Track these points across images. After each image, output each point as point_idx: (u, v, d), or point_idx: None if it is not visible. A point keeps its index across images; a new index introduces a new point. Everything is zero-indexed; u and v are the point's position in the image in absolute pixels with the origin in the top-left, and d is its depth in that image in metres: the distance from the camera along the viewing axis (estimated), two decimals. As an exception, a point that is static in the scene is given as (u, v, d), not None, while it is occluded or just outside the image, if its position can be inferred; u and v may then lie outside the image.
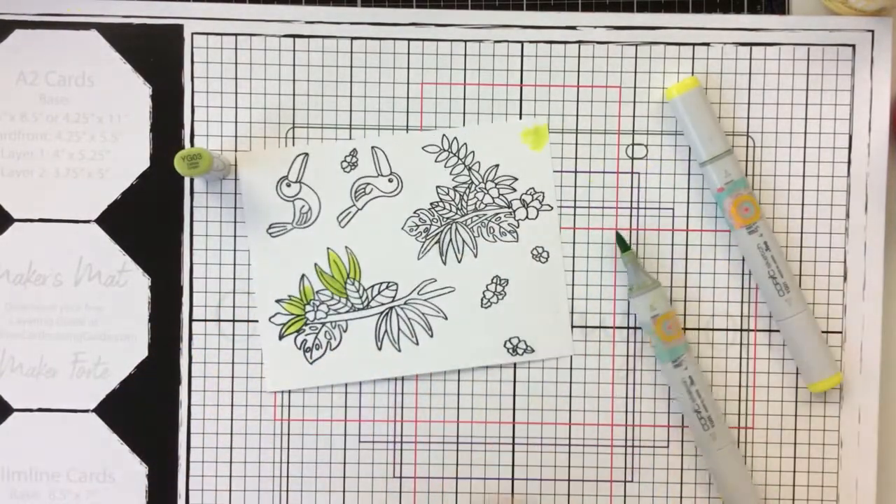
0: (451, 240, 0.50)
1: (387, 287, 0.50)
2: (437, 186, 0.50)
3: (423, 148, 0.50)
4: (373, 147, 0.50)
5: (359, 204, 0.50)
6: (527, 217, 0.50)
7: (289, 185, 0.50)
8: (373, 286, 0.50)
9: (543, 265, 0.50)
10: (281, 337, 0.50)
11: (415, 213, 0.50)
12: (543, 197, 0.50)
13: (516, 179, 0.50)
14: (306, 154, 0.50)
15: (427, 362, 0.50)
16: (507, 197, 0.50)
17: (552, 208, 0.50)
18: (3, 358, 0.50)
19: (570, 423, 0.50)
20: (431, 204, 0.50)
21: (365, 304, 0.50)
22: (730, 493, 0.49)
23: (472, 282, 0.50)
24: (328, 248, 0.50)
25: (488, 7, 0.50)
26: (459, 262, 0.50)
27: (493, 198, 0.50)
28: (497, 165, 0.50)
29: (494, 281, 0.50)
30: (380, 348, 0.50)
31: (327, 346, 0.50)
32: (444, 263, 0.50)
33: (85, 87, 0.50)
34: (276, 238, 0.50)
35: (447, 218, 0.50)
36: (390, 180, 0.50)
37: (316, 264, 0.50)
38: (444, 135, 0.50)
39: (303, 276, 0.50)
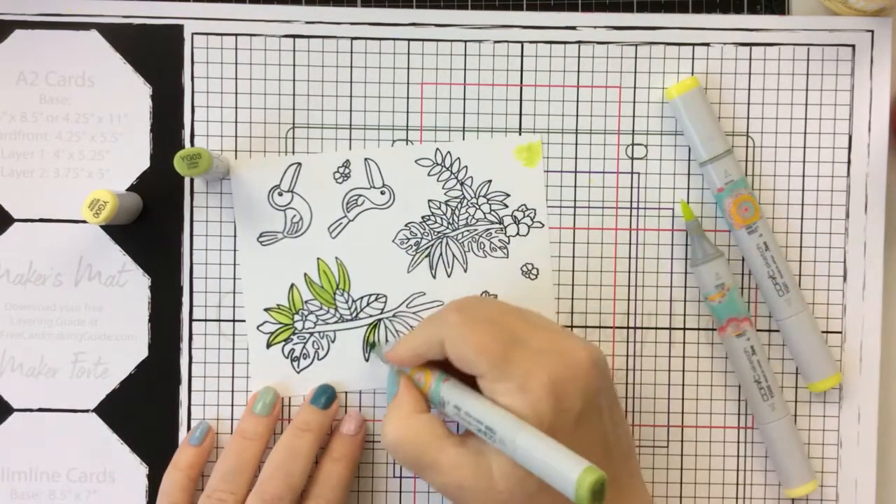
0: (441, 254, 0.50)
1: (376, 299, 0.50)
2: (429, 200, 0.50)
3: (416, 161, 0.50)
4: (366, 159, 0.50)
5: (350, 215, 0.50)
6: (518, 233, 0.50)
7: (280, 194, 0.50)
8: (362, 297, 0.50)
9: (533, 282, 0.50)
10: (268, 345, 0.50)
11: (406, 226, 0.50)
12: (535, 214, 0.50)
13: (508, 195, 0.50)
14: (299, 164, 0.50)
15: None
16: (498, 213, 0.50)
17: (543, 225, 0.50)
18: (3, 358, 0.50)
19: (570, 423, 0.50)
20: (423, 217, 0.50)
21: (353, 315, 0.50)
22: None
23: (460, 296, 0.49)
24: (318, 259, 0.50)
25: (488, 7, 0.50)
26: (449, 276, 0.50)
27: (484, 213, 0.50)
28: (490, 181, 0.50)
29: (483, 296, 0.50)
30: (367, 359, 0.50)
31: (315, 356, 0.50)
32: (434, 277, 0.50)
33: (85, 87, 0.50)
34: (266, 247, 0.50)
35: (438, 232, 0.50)
36: (382, 192, 0.50)
37: (306, 274, 0.50)
38: (437, 149, 0.50)
39: (292, 285, 0.50)
